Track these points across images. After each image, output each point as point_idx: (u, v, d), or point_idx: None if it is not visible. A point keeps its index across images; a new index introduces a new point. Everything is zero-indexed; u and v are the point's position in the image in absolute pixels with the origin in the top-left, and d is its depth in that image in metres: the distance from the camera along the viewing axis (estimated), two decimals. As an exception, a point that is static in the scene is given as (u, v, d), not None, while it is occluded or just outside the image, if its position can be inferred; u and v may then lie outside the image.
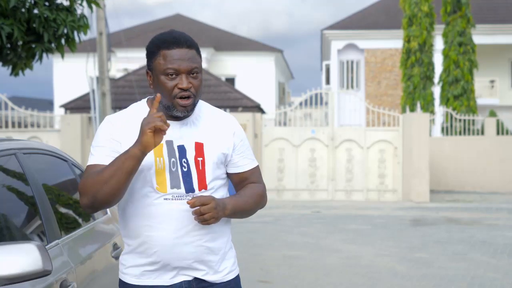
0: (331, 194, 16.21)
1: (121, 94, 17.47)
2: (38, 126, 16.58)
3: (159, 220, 2.26)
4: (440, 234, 10.49)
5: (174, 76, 2.25)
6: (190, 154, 2.29)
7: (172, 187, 2.26)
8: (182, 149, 2.29)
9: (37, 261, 2.02)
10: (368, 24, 29.26)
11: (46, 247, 2.45)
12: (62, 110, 19.75)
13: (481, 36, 25.58)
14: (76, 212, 3.27)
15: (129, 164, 2.13)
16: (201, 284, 2.34)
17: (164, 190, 2.26)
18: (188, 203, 2.18)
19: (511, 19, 28.32)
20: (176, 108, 2.27)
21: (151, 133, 2.10)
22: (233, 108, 17.27)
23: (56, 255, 2.62)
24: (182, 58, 2.25)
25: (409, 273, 7.32)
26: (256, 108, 17.92)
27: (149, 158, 2.24)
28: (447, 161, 19.09)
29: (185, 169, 2.27)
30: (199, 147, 2.30)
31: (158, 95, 2.18)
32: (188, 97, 2.26)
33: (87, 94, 17.74)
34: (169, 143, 2.29)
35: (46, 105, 37.11)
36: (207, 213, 2.18)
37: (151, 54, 2.29)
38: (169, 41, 2.26)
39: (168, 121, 2.21)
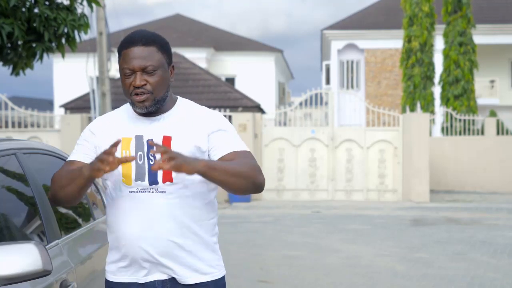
0: (331, 194, 16.20)
1: (121, 94, 17.46)
2: (38, 126, 16.58)
3: (126, 214, 2.30)
4: (440, 234, 10.49)
5: (129, 74, 2.29)
6: None
7: (136, 180, 2.30)
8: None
9: (37, 261, 2.02)
10: (368, 24, 29.26)
11: (46, 247, 2.44)
12: (62, 110, 19.75)
13: (481, 36, 25.57)
14: (76, 212, 3.27)
15: (80, 181, 2.25)
16: (176, 286, 2.33)
17: (129, 182, 2.30)
18: (150, 143, 2.17)
19: (511, 19, 28.32)
20: (135, 105, 2.31)
21: (99, 164, 2.15)
22: (233, 108, 17.27)
23: (56, 255, 2.62)
24: (136, 56, 2.27)
25: (409, 273, 7.32)
26: (256, 108, 17.91)
27: (116, 152, 2.28)
28: (447, 161, 19.09)
29: (151, 162, 2.29)
30: (166, 140, 2.31)
31: (119, 139, 2.20)
32: (142, 93, 2.28)
33: (87, 94, 17.74)
34: (139, 138, 2.33)
35: (46, 105, 37.12)
36: (169, 153, 2.07)
37: (118, 56, 2.35)
38: (127, 41, 2.31)
39: (142, 117, 2.35)
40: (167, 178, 2.29)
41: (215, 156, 2.31)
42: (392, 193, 16.20)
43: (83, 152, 2.40)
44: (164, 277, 2.33)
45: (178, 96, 2.47)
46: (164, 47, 2.33)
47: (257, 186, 2.29)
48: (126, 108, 2.44)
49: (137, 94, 2.28)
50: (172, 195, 2.29)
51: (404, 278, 7.04)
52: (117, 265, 2.38)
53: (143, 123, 2.35)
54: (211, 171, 2.15)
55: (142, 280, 2.33)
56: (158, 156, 2.27)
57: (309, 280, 6.93)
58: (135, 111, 2.35)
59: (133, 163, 2.30)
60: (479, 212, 13.90)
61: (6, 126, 16.35)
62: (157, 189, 2.29)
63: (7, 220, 2.51)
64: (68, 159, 2.44)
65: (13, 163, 2.70)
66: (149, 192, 2.29)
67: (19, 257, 2.00)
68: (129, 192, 2.31)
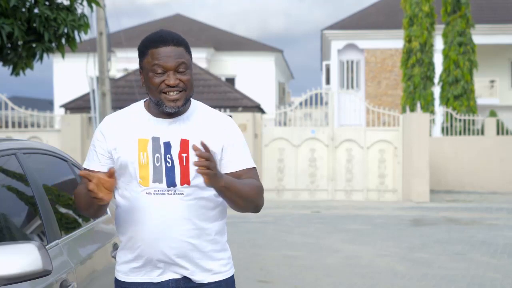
0: (331, 194, 16.20)
1: (121, 94, 17.47)
2: (38, 126, 16.58)
3: (142, 214, 2.31)
4: (440, 234, 10.49)
5: (161, 72, 2.30)
6: (175, 150, 2.32)
7: (154, 181, 2.31)
8: (167, 145, 2.33)
9: (37, 261, 2.02)
10: (368, 24, 29.26)
11: (46, 247, 2.44)
12: (62, 110, 19.74)
13: (481, 36, 25.58)
14: (76, 212, 3.27)
15: (96, 206, 2.30)
16: (189, 284, 2.35)
17: (146, 184, 2.31)
18: (193, 147, 2.16)
19: (511, 19, 28.32)
20: (165, 103, 2.31)
21: (97, 200, 2.19)
22: (233, 108, 17.27)
23: (56, 255, 2.62)
24: (168, 55, 2.29)
25: (409, 273, 7.32)
26: (256, 108, 17.91)
27: (133, 153, 2.32)
28: (447, 161, 19.09)
29: (169, 165, 2.31)
30: (184, 144, 2.33)
31: (113, 170, 2.20)
32: (177, 92, 2.30)
33: (87, 94, 17.74)
34: (156, 139, 2.33)
35: (46, 105, 37.12)
36: (208, 160, 2.12)
37: (141, 54, 2.35)
38: (156, 40, 2.32)
39: (159, 119, 2.35)
40: (185, 181, 2.31)
41: (226, 169, 2.36)
42: (392, 193, 16.20)
43: (98, 160, 2.40)
44: (177, 276, 2.35)
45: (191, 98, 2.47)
46: (189, 49, 2.37)
47: (257, 209, 2.41)
48: (138, 108, 2.43)
49: (167, 93, 2.29)
50: (189, 197, 2.31)
51: (404, 278, 7.03)
52: (129, 265, 2.37)
53: (160, 125, 2.35)
54: (226, 191, 2.23)
55: (156, 279, 2.35)
56: (175, 158, 2.30)
57: (309, 280, 6.92)
58: (163, 110, 2.33)
59: (150, 165, 2.31)
60: (479, 212, 13.90)
61: (6, 126, 16.34)
62: (174, 191, 2.30)
63: (7, 220, 2.51)
64: (84, 166, 2.45)
65: (13, 163, 2.70)
66: (166, 193, 2.30)
67: (19, 257, 2.00)
68: (146, 193, 2.31)
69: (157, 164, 2.31)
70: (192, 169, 2.30)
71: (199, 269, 2.35)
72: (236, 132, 2.43)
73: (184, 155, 2.32)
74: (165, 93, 2.29)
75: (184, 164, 2.31)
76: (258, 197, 2.36)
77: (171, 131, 2.34)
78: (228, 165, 2.37)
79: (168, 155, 2.31)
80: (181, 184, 2.30)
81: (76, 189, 2.41)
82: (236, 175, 2.36)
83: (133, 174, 2.32)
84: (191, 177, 2.31)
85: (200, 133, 2.35)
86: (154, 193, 2.31)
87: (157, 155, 2.32)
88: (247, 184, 2.32)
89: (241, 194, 2.28)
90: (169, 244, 2.30)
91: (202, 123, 2.38)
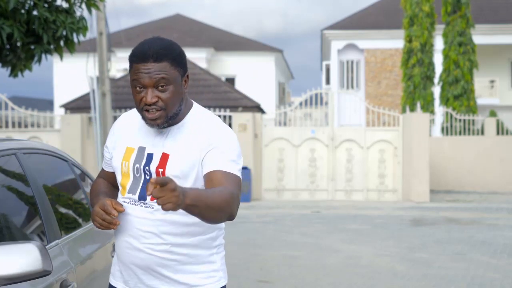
0: (331, 194, 16.20)
1: (121, 94, 17.46)
2: (38, 126, 16.58)
3: (121, 221, 2.33)
4: (440, 234, 10.49)
5: (141, 89, 2.24)
6: (154, 163, 2.29)
7: (129, 192, 2.33)
8: (149, 157, 2.30)
9: (37, 261, 2.02)
10: (368, 24, 29.25)
11: (46, 247, 2.45)
12: (62, 110, 19.74)
13: (481, 36, 25.58)
14: (76, 212, 3.27)
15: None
16: None
17: (123, 193, 2.35)
18: (147, 187, 1.98)
19: (511, 19, 28.31)
20: (146, 120, 2.28)
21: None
22: (233, 108, 17.26)
23: (56, 255, 2.62)
24: (147, 71, 2.20)
25: (409, 273, 7.32)
26: (256, 108, 17.91)
27: (118, 160, 2.37)
28: (447, 161, 19.09)
29: (148, 177, 2.30)
30: (164, 158, 2.28)
31: (123, 209, 2.28)
32: (155, 110, 2.23)
33: (87, 94, 17.73)
34: (141, 149, 2.33)
35: (46, 105, 37.13)
36: (162, 196, 1.88)
37: (129, 66, 2.30)
38: (137, 54, 2.23)
39: (150, 128, 2.31)
40: None
41: (204, 170, 2.25)
42: (392, 193, 16.20)
43: (105, 161, 2.51)
44: None
45: (194, 102, 2.41)
46: (177, 60, 2.25)
47: (230, 218, 2.18)
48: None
49: (148, 111, 2.24)
50: (159, 211, 2.24)
51: (404, 278, 7.04)
52: (115, 267, 2.44)
53: (149, 135, 2.34)
54: (192, 208, 2.01)
55: None
56: (153, 171, 2.28)
57: (309, 280, 6.93)
58: (146, 124, 2.31)
59: (131, 175, 2.33)
60: (479, 212, 13.90)
61: (6, 126, 16.34)
62: (145, 204, 2.29)
63: (7, 220, 2.51)
64: (103, 165, 2.55)
65: (13, 163, 2.70)
66: (138, 205, 2.30)
67: (19, 257, 2.00)
68: (123, 201, 2.34)
69: (137, 175, 2.32)
70: None
71: (170, 282, 2.30)
72: (221, 138, 2.29)
73: (160, 170, 2.26)
74: (147, 110, 2.24)
75: None
76: (227, 205, 2.12)
77: (156, 142, 2.32)
78: (204, 167, 2.25)
79: (147, 167, 2.29)
80: (151, 199, 2.27)
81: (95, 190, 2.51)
82: (209, 177, 2.22)
83: (118, 180, 2.38)
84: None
85: (184, 146, 2.28)
86: (129, 203, 2.32)
87: (137, 165, 2.31)
88: (216, 192, 2.11)
89: (209, 205, 2.05)
90: (138, 255, 2.29)
91: (191, 132, 2.30)
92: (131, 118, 2.44)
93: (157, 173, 2.27)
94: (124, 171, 2.34)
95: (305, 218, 12.74)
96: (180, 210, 2.02)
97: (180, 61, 2.26)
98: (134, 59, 2.24)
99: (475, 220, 12.48)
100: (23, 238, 2.52)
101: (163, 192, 1.87)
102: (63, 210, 3.15)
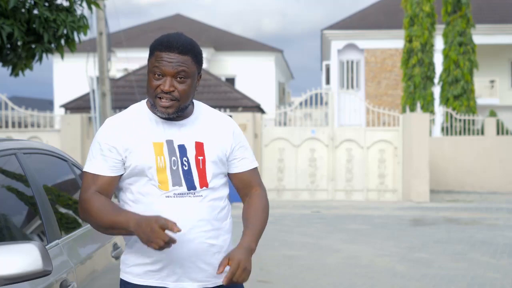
0: (331, 194, 16.21)
1: (121, 94, 17.47)
2: (38, 126, 16.59)
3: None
4: (440, 234, 10.49)
5: (159, 76, 2.29)
6: (191, 153, 2.35)
7: (174, 185, 2.31)
8: (182, 148, 2.34)
9: (37, 261, 2.02)
10: (368, 24, 29.25)
11: (46, 247, 2.45)
12: (62, 110, 19.75)
13: (481, 36, 25.58)
14: (76, 212, 3.27)
15: (120, 232, 2.28)
16: None
17: (166, 188, 2.31)
18: (223, 283, 2.25)
19: (511, 19, 28.32)
20: (157, 108, 2.31)
21: (154, 245, 2.14)
22: (233, 108, 17.26)
23: (56, 255, 2.62)
24: (170, 60, 2.28)
25: (409, 273, 7.32)
26: (256, 108, 17.91)
27: (150, 157, 2.31)
28: (447, 161, 19.09)
29: (185, 168, 2.33)
30: (199, 146, 2.36)
31: (180, 229, 2.16)
32: (169, 99, 2.29)
33: (87, 94, 17.73)
34: (170, 143, 2.34)
35: (46, 105, 37.13)
36: (243, 277, 2.25)
37: (150, 53, 2.36)
38: (163, 43, 2.30)
39: (169, 121, 2.36)
40: (203, 183, 2.34)
41: (235, 169, 2.47)
42: (392, 193, 16.21)
43: (109, 165, 2.33)
44: (193, 285, 2.33)
45: (194, 100, 2.47)
46: (198, 57, 2.34)
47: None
48: (142, 109, 2.41)
49: (161, 98, 2.29)
50: (207, 198, 2.34)
51: (404, 278, 7.04)
52: (145, 268, 2.34)
53: (172, 128, 2.36)
54: (254, 251, 2.37)
55: (171, 285, 2.33)
56: (192, 161, 2.33)
57: (309, 280, 6.93)
58: (155, 113, 2.34)
59: (167, 169, 2.31)
60: (479, 212, 13.90)
61: (6, 126, 16.35)
62: (194, 193, 2.32)
63: (7, 220, 2.51)
64: (89, 170, 2.34)
65: (13, 163, 2.70)
66: (186, 196, 2.31)
67: (19, 257, 2.00)
68: (166, 197, 2.30)
69: (174, 168, 2.32)
70: (209, 171, 2.35)
71: (213, 274, 2.34)
72: (241, 132, 2.55)
73: (200, 158, 2.35)
74: (160, 98, 2.29)
75: (201, 166, 2.35)
76: (267, 209, 2.54)
77: (183, 133, 2.36)
78: (237, 165, 2.47)
79: (185, 158, 2.33)
80: (201, 187, 2.33)
81: (101, 205, 2.29)
82: (243, 177, 2.48)
83: (150, 177, 2.31)
84: (208, 180, 2.35)
85: (211, 135, 2.40)
86: (174, 196, 2.31)
87: (173, 158, 2.32)
88: (261, 214, 2.49)
89: (263, 229, 2.48)
90: (191, 247, 2.29)
91: (210, 125, 2.43)
92: (127, 118, 2.39)
93: (197, 161, 2.34)
94: (160, 166, 2.30)
95: (305, 218, 12.74)
96: (220, 194, 2.38)
97: (199, 59, 2.37)
98: (159, 47, 2.30)
99: (475, 220, 12.48)
100: (23, 238, 2.52)
101: (241, 276, 2.24)
102: (63, 210, 3.15)
